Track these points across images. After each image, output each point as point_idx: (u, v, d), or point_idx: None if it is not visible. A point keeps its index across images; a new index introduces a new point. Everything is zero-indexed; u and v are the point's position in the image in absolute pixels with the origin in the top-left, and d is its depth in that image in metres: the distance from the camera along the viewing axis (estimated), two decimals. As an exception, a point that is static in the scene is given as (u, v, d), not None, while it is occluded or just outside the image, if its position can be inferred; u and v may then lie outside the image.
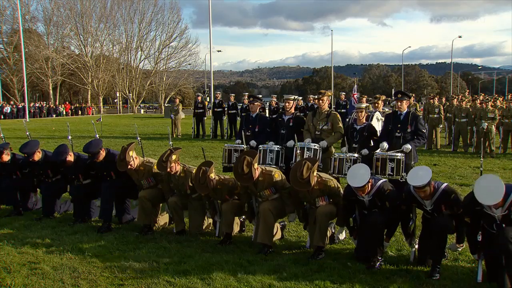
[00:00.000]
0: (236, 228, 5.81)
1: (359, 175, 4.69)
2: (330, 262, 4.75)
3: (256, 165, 5.14)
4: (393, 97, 8.14)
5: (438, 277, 4.34)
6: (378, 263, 4.61)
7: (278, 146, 6.64)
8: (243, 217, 5.90)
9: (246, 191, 5.43)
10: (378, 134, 6.75)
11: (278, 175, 5.27)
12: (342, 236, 5.52)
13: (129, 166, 5.86)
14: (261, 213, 5.21)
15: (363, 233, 4.86)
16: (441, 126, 15.27)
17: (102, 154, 6.30)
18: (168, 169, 5.61)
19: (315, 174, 4.90)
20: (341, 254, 5.07)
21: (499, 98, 19.02)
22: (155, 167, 5.87)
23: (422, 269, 4.57)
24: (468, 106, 14.28)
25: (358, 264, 4.68)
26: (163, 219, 6.30)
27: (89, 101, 58.58)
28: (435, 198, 4.50)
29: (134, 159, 5.94)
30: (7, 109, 40.22)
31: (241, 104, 18.44)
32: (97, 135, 8.27)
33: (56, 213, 6.78)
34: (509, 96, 20.42)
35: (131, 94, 58.37)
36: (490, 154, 13.09)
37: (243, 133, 6.83)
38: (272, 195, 5.26)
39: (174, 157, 5.65)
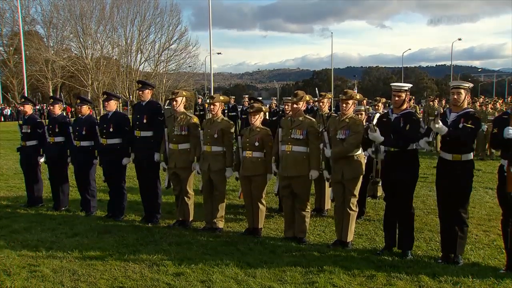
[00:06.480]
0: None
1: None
2: (330, 265, 4.75)
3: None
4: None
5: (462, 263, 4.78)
6: None
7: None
8: None
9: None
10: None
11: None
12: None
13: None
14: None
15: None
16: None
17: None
18: (212, 106, 6.04)
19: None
20: (340, 257, 5.07)
21: (499, 101, 18.96)
22: (195, 119, 6.35)
23: (422, 271, 4.56)
24: (468, 109, 14.22)
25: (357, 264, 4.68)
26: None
27: (89, 104, 58.51)
28: (462, 112, 4.85)
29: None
30: (7, 111, 40.22)
31: (241, 106, 18.43)
32: None
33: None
34: (509, 99, 20.43)
35: (131, 96, 58.36)
36: (490, 157, 13.08)
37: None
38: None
39: (218, 104, 6.08)
